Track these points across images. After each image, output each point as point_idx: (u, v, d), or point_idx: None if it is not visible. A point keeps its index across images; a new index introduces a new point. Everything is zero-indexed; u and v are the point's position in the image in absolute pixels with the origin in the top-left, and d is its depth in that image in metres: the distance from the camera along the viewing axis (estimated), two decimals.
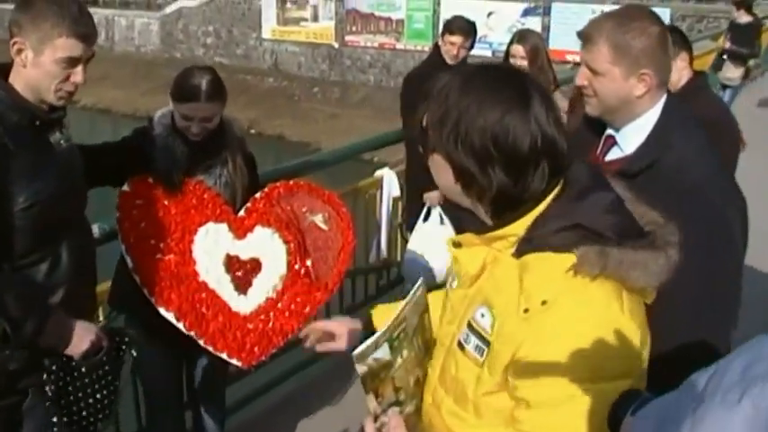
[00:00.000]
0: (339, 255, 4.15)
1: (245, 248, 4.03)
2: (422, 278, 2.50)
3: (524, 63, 6.17)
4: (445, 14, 31.38)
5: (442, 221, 6.50)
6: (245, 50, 41.40)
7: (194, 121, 3.88)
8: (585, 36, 2.98)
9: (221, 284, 3.95)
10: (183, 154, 3.96)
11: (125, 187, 3.89)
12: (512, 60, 6.24)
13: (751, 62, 14.56)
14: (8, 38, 3.07)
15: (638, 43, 2.85)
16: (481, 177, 2.02)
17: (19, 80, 3.12)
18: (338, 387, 6.04)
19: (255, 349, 3.91)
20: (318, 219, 4.19)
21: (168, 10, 45.58)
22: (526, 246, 2.03)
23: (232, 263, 4.00)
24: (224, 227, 4.00)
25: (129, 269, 3.82)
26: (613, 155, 3.06)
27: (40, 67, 3.07)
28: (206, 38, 43.08)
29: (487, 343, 2.09)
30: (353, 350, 2.09)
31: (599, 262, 1.92)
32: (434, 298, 2.52)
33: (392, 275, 7.21)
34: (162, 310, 3.79)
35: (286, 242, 4.07)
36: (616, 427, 1.84)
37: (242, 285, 3.99)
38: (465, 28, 6.41)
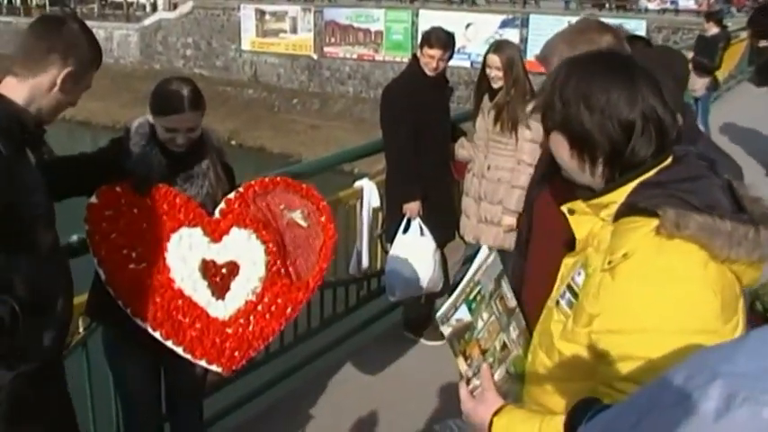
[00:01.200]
0: (320, 251, 4.09)
1: (221, 252, 3.95)
2: (491, 247, 2.64)
3: (500, 73, 6.18)
4: (423, 26, 31.49)
5: (422, 232, 6.50)
6: (225, 62, 41.42)
7: (179, 132, 3.85)
8: (542, 60, 3.06)
9: (197, 291, 3.88)
10: (162, 165, 3.91)
11: (93, 199, 3.80)
12: (488, 71, 6.25)
13: (726, 73, 14.68)
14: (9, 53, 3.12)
15: None
16: (595, 142, 2.21)
17: (25, 95, 3.12)
18: (320, 396, 6.06)
19: (236, 354, 3.85)
20: (297, 215, 4.12)
21: (147, 22, 45.58)
22: (622, 210, 2.21)
23: (208, 267, 3.92)
24: (198, 231, 3.92)
25: (103, 282, 3.78)
26: None
27: (72, 93, 3.21)
28: (185, 49, 43.08)
29: (577, 296, 2.26)
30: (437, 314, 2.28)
31: (677, 222, 2.02)
32: None
33: (373, 286, 7.20)
34: (138, 321, 3.75)
35: (264, 242, 3.99)
36: None
37: (219, 290, 3.91)
38: (443, 40, 6.41)
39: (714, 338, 1.92)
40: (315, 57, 38.51)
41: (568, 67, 2.31)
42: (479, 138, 6.51)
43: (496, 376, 2.41)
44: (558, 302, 2.35)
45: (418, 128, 6.32)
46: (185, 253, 3.88)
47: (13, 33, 51.42)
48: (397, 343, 7.03)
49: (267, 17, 39.99)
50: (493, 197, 6.37)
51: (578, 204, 2.36)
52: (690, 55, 14.31)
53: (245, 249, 3.97)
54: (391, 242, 6.67)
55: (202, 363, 3.84)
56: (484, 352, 2.38)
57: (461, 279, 2.40)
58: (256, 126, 36.19)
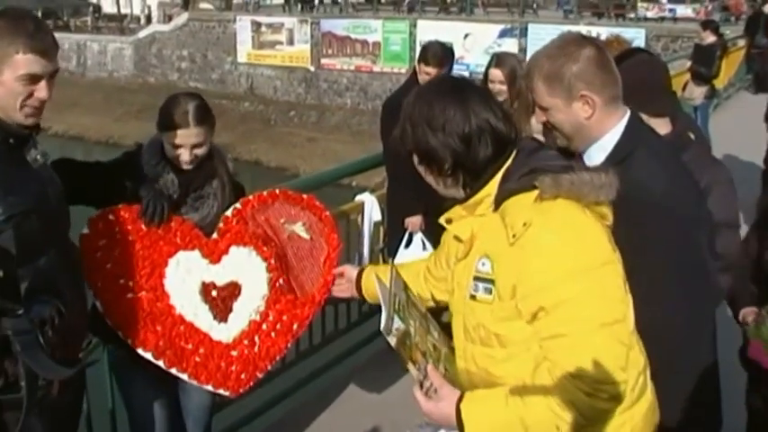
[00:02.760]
0: (325, 263, 3.88)
1: (221, 273, 3.82)
2: (390, 260, 3.00)
3: (503, 87, 6.10)
4: (421, 36, 31.61)
5: (424, 247, 6.41)
6: (221, 75, 41.47)
7: (185, 148, 3.79)
8: (526, 77, 3.17)
9: (199, 315, 3.76)
10: (174, 184, 3.86)
11: (85, 230, 3.69)
12: (490, 85, 6.16)
13: (725, 82, 14.75)
14: None
15: (567, 70, 2.91)
16: (441, 152, 2.62)
17: None
18: (323, 414, 5.98)
19: (242, 376, 3.74)
20: (299, 228, 3.95)
21: (141, 34, 45.64)
22: (500, 197, 2.57)
23: (208, 290, 3.80)
24: (196, 254, 3.80)
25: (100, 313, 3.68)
26: None
27: (2, 86, 3.01)
28: (180, 62, 43.14)
29: (492, 281, 2.54)
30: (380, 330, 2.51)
31: (554, 183, 2.45)
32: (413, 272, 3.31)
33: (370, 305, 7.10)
34: (140, 351, 3.64)
35: (265, 259, 3.82)
36: None
37: (221, 313, 3.79)
38: (440, 56, 6.31)
39: (616, 266, 2.51)
40: (312, 68, 38.56)
41: (414, 96, 2.75)
42: None
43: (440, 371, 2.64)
44: (473, 296, 2.62)
45: None
46: (184, 277, 3.77)
47: None
48: (397, 360, 6.88)
49: (263, 29, 40.05)
50: None
51: (454, 211, 2.74)
52: (687, 64, 14.35)
53: (245, 268, 3.83)
54: (393, 256, 6.58)
55: (209, 387, 3.75)
56: (423, 354, 2.62)
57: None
58: (253, 139, 36.22)
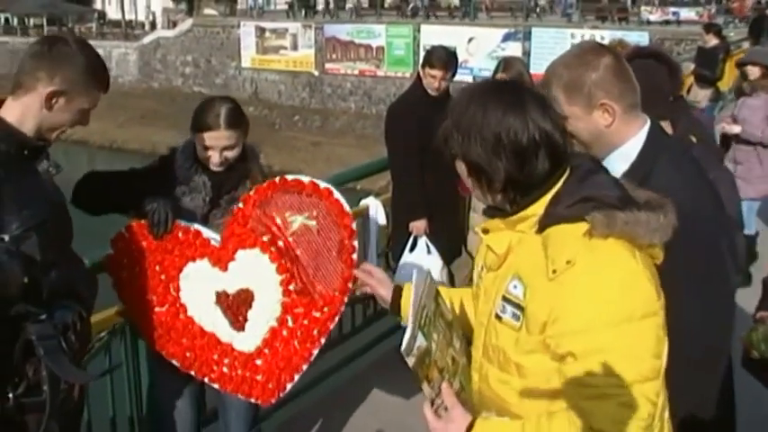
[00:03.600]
0: (341, 254, 3.55)
1: (231, 281, 3.71)
2: (427, 268, 2.75)
3: None
4: (425, 41, 31.63)
5: (428, 251, 6.41)
6: (225, 80, 41.54)
7: (215, 150, 3.82)
8: (543, 84, 3.03)
9: (218, 326, 3.72)
10: (207, 186, 3.89)
11: (110, 250, 3.77)
12: None
13: (730, 84, 14.77)
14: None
15: (587, 78, 2.89)
16: (489, 168, 2.36)
17: (17, 114, 3.12)
18: (328, 418, 5.97)
19: (270, 386, 3.64)
20: (305, 218, 3.65)
21: (146, 40, 45.73)
22: (546, 221, 2.35)
23: (222, 300, 3.72)
24: (205, 263, 3.75)
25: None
26: None
27: (64, 113, 3.15)
28: (184, 67, 43.21)
29: (522, 309, 2.37)
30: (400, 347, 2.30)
31: (607, 222, 2.25)
32: (464, 294, 2.96)
33: (380, 306, 7.07)
34: (174, 363, 3.72)
35: (273, 260, 3.63)
36: None
37: (237, 322, 3.70)
38: (444, 60, 6.33)
39: (658, 319, 2.29)
40: (316, 73, 38.61)
41: (465, 97, 2.46)
42: None
43: (454, 388, 2.50)
44: (498, 317, 2.45)
45: (423, 146, 6.24)
46: (198, 288, 3.74)
47: (9, 54, 51.64)
48: (403, 364, 6.89)
49: (267, 34, 40.12)
50: None
51: (492, 223, 2.51)
52: (691, 67, 14.35)
53: (255, 273, 3.69)
54: (398, 260, 6.58)
55: (240, 396, 3.73)
56: (441, 371, 2.48)
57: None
58: (257, 144, 36.25)
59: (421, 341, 2.37)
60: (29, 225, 2.97)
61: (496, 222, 2.49)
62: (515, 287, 2.40)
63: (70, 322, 2.98)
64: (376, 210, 6.52)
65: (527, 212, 2.39)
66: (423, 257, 6.41)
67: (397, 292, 3.08)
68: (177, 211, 3.76)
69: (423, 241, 6.43)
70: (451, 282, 6.72)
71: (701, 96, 13.86)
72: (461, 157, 2.43)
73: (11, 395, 2.89)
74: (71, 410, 3.36)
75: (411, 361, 2.31)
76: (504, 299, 2.43)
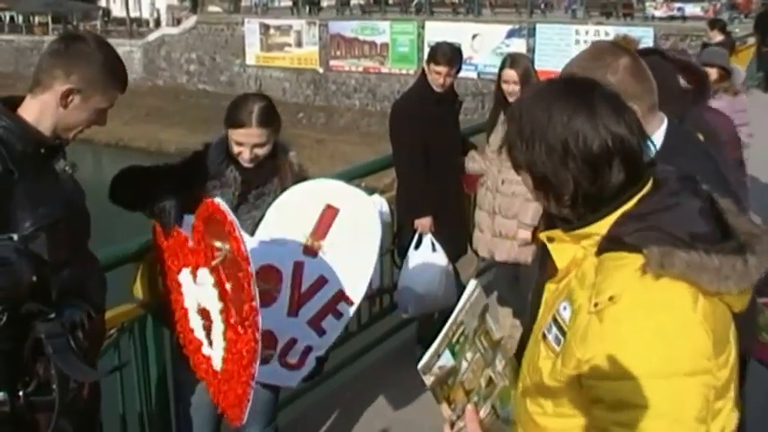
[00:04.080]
0: (244, 283, 3.14)
1: (199, 294, 3.57)
2: (477, 280, 2.47)
3: (517, 87, 6.11)
4: (429, 38, 31.61)
5: (434, 249, 6.43)
6: (229, 77, 41.54)
7: (246, 147, 3.85)
8: None
9: (200, 337, 3.69)
10: (237, 181, 3.94)
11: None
12: (504, 86, 6.19)
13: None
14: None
15: (606, 82, 2.83)
16: (556, 181, 2.11)
17: (35, 112, 3.16)
18: (334, 415, 6.01)
19: (235, 408, 3.43)
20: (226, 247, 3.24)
21: (150, 38, 45.76)
22: (606, 244, 2.11)
23: (200, 311, 3.65)
24: (187, 272, 3.65)
25: None
26: None
27: (81, 111, 3.19)
28: (189, 65, 43.23)
29: (564, 334, 2.16)
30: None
31: (662, 261, 1.96)
32: None
33: (385, 303, 7.12)
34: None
35: (216, 284, 3.38)
36: None
37: (208, 338, 3.60)
38: (449, 56, 6.35)
39: (706, 378, 1.96)
40: (320, 70, 38.62)
41: (528, 100, 2.23)
42: (493, 151, 6.43)
43: (482, 413, 2.30)
44: (544, 336, 2.26)
45: (428, 143, 6.27)
46: (189, 297, 3.71)
47: (15, 52, 51.63)
48: (410, 359, 6.90)
49: (272, 31, 40.13)
50: (507, 211, 6.29)
51: (557, 233, 2.26)
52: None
53: (207, 293, 3.49)
54: (403, 258, 6.60)
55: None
56: (468, 392, 2.28)
57: (441, 326, 2.27)
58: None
59: (446, 360, 2.21)
60: (41, 224, 3.02)
61: (560, 233, 2.25)
62: (565, 309, 2.19)
63: (78, 321, 3.01)
64: (380, 207, 6.54)
65: (590, 230, 2.15)
66: (428, 255, 6.43)
67: None
68: (182, 210, 3.75)
69: (428, 239, 6.44)
70: (457, 280, 6.74)
71: None
72: (526, 167, 2.19)
73: (21, 393, 2.91)
74: (85, 409, 3.39)
75: (429, 380, 2.17)
76: (554, 319, 2.23)
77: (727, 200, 2.20)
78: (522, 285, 6.57)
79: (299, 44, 39.42)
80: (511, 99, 6.17)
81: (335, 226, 3.63)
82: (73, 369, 3.01)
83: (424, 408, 6.02)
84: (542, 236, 2.33)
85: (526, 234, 6.19)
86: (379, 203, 6.46)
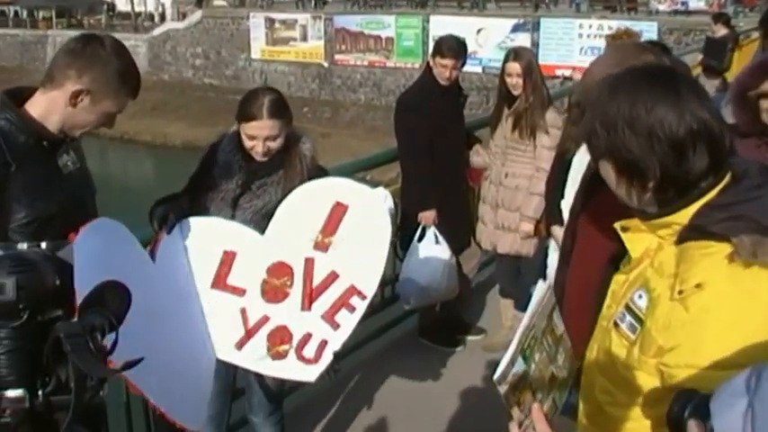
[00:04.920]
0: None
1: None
2: (547, 281, 2.52)
3: (519, 80, 6.16)
4: (434, 32, 31.56)
5: (437, 241, 6.48)
6: (235, 71, 41.52)
7: (259, 140, 3.89)
8: (586, 91, 3.01)
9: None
10: (241, 169, 3.99)
11: None
12: (508, 79, 6.25)
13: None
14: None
15: None
16: (644, 165, 2.10)
17: (42, 107, 3.20)
18: (335, 405, 6.05)
19: None
20: None
21: (156, 32, 45.75)
22: (688, 233, 2.10)
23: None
24: None
25: None
26: None
27: (89, 113, 3.24)
28: (194, 59, 43.21)
29: (641, 322, 2.16)
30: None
31: (753, 250, 1.94)
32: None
33: (387, 294, 7.17)
34: None
35: None
36: (676, 426, 1.75)
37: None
38: (455, 49, 6.40)
39: None
40: (325, 64, 38.60)
41: (609, 89, 2.22)
42: (497, 145, 6.49)
43: (545, 408, 2.27)
44: (616, 324, 2.26)
45: (433, 136, 6.31)
46: None
47: (20, 46, 51.55)
48: (412, 350, 7.01)
49: (277, 25, 40.10)
50: (511, 204, 6.35)
51: (633, 222, 2.26)
52: (699, 57, 14.34)
53: None
54: (406, 250, 6.64)
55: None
56: (534, 392, 2.27)
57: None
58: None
59: (519, 367, 2.21)
60: (35, 216, 3.09)
61: (637, 222, 2.25)
62: (640, 297, 2.19)
63: (98, 324, 3.05)
64: (385, 200, 6.60)
65: (672, 218, 2.14)
66: (431, 247, 6.48)
67: None
68: (179, 213, 3.81)
69: (431, 231, 6.50)
70: (459, 272, 6.79)
71: (708, 86, 13.89)
72: (608, 155, 2.19)
73: (40, 392, 2.97)
74: (94, 406, 3.43)
75: (503, 389, 2.14)
76: (627, 307, 2.23)
77: None
78: (524, 277, 6.63)
79: (305, 38, 39.40)
80: (514, 92, 6.23)
81: (345, 222, 3.68)
82: (89, 366, 3.05)
83: (426, 396, 6.10)
84: (617, 225, 2.32)
85: (528, 227, 6.26)
86: (384, 196, 6.53)
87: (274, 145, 3.93)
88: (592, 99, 2.30)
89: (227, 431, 4.75)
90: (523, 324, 2.28)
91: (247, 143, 3.93)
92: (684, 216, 2.10)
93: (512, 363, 2.16)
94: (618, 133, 2.12)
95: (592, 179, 3.22)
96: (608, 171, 2.22)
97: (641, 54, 3.01)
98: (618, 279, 2.37)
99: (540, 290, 2.42)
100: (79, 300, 2.22)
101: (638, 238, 2.26)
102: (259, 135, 3.88)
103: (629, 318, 2.21)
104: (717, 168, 2.09)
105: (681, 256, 2.09)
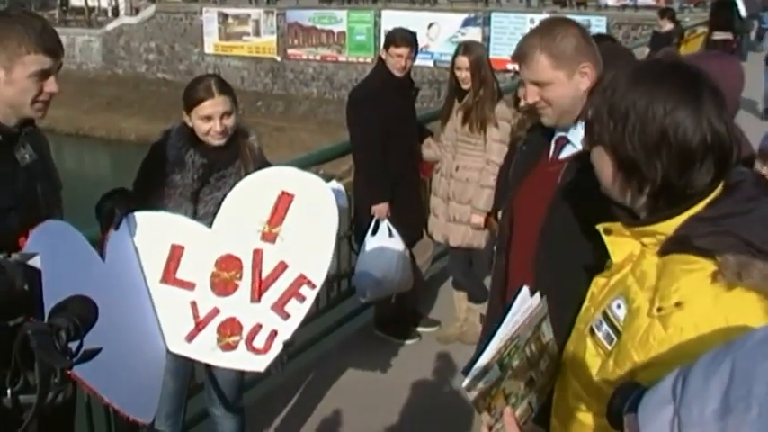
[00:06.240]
0: None
1: None
2: (536, 295, 2.42)
3: (469, 74, 6.23)
4: (386, 26, 31.54)
5: (390, 234, 6.54)
6: (188, 66, 41.16)
7: (215, 119, 3.93)
8: (521, 56, 3.06)
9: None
10: (197, 165, 4.00)
11: None
12: (457, 72, 6.32)
13: None
14: None
15: (568, 44, 2.98)
16: (646, 168, 2.02)
17: None
18: (292, 399, 6.11)
19: None
20: None
21: (109, 27, 45.25)
22: (672, 245, 2.02)
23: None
24: None
25: None
26: (567, 152, 3.11)
27: (14, 85, 3.19)
28: (148, 54, 42.81)
29: (618, 333, 2.09)
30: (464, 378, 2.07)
31: (738, 271, 1.87)
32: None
33: (343, 287, 7.22)
34: None
35: None
36: (616, 419, 1.77)
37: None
38: (408, 39, 6.45)
39: None
40: (278, 59, 38.39)
41: (627, 78, 2.11)
42: (447, 138, 6.55)
43: (518, 412, 2.24)
44: (593, 331, 2.20)
45: (386, 129, 6.36)
46: None
47: None
48: (368, 342, 7.09)
49: (230, 20, 39.83)
50: (462, 197, 6.42)
51: (616, 226, 2.17)
52: (647, 51, 14.52)
53: None
54: (360, 244, 6.69)
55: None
56: (507, 396, 2.21)
57: (487, 343, 2.17)
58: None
59: (494, 374, 2.14)
60: None
61: (620, 227, 2.16)
62: (619, 306, 2.12)
63: (63, 325, 3.06)
64: (337, 193, 6.65)
65: (657, 228, 2.06)
66: (385, 240, 6.52)
67: None
68: (124, 208, 3.72)
69: (384, 224, 6.54)
70: (413, 264, 6.86)
71: None
72: (610, 147, 2.10)
73: (9, 391, 2.99)
74: (61, 406, 3.46)
75: (473, 395, 2.08)
76: (605, 315, 2.16)
77: None
78: (475, 269, 6.72)
79: (257, 33, 39.16)
80: (464, 86, 6.29)
81: (291, 212, 3.68)
82: (54, 359, 3.07)
83: (382, 391, 6.15)
84: (600, 227, 2.23)
85: (479, 219, 6.32)
86: (336, 189, 6.58)
87: (230, 122, 3.98)
88: (605, 83, 2.19)
89: (187, 426, 4.80)
90: (502, 333, 2.20)
91: (203, 127, 3.95)
92: (670, 227, 2.03)
93: (485, 371, 2.09)
94: (627, 127, 2.03)
95: (521, 164, 3.30)
96: (603, 162, 2.15)
97: (570, 23, 3.09)
98: (598, 282, 2.32)
99: (527, 301, 2.35)
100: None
101: (620, 243, 2.18)
102: (215, 113, 3.92)
103: (605, 326, 2.15)
104: (719, 179, 2.02)
105: (663, 269, 2.02)
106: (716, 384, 1.17)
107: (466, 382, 2.06)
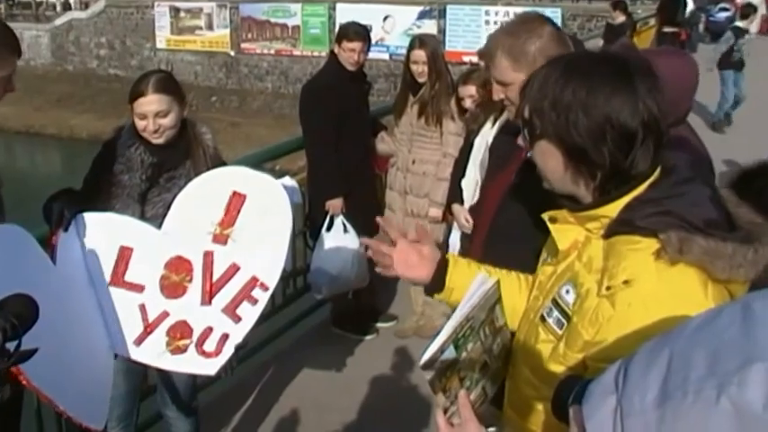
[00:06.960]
0: None
1: None
2: (493, 278, 2.50)
3: (425, 68, 6.22)
4: (341, 19, 31.46)
5: (345, 229, 6.51)
6: (140, 61, 40.91)
7: (149, 118, 3.84)
8: (486, 55, 3.14)
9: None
10: (145, 164, 3.92)
11: None
12: (413, 66, 6.30)
13: None
14: None
15: (531, 45, 2.99)
16: (595, 155, 2.09)
17: None
18: (249, 398, 6.05)
19: None
20: None
21: (58, 22, 44.85)
22: (617, 226, 2.10)
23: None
24: None
25: None
26: None
27: None
28: (99, 50, 42.48)
29: (568, 318, 2.17)
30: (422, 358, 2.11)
31: (680, 247, 1.96)
32: (515, 278, 2.69)
33: (299, 284, 7.19)
34: None
35: None
36: (561, 411, 1.74)
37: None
38: (361, 33, 6.45)
39: None
40: (232, 53, 38.27)
41: (563, 69, 2.17)
42: (402, 132, 6.54)
43: (473, 396, 2.29)
44: (543, 319, 2.28)
45: (339, 124, 6.35)
46: None
47: None
48: (326, 340, 7.06)
49: (182, 14, 39.63)
50: (419, 190, 6.42)
51: (561, 213, 2.26)
52: (600, 43, 14.68)
53: None
54: (315, 240, 6.65)
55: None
56: (462, 379, 2.27)
57: (444, 323, 2.24)
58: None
59: (449, 354, 2.19)
60: None
61: (565, 214, 2.24)
62: (567, 292, 2.20)
63: (0, 326, 3.01)
64: (292, 189, 6.59)
65: (599, 212, 2.14)
66: (340, 236, 6.52)
67: (441, 268, 2.70)
68: (74, 209, 3.62)
69: (339, 220, 6.53)
70: (369, 260, 6.82)
71: None
72: (555, 138, 2.15)
73: None
74: (6, 406, 3.39)
75: (429, 375, 2.13)
76: (554, 301, 2.25)
77: (727, 190, 2.18)
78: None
79: (210, 27, 38.99)
80: (420, 80, 6.29)
81: (244, 212, 3.61)
82: None
83: (340, 388, 6.13)
84: (545, 216, 2.31)
85: (437, 212, 6.32)
86: (290, 186, 6.52)
87: (165, 122, 3.88)
88: (533, 78, 2.24)
89: (140, 429, 4.73)
90: (458, 314, 2.25)
91: (139, 125, 3.88)
92: (613, 209, 2.11)
93: (441, 350, 2.15)
94: (570, 117, 2.09)
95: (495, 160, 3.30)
96: (550, 155, 2.20)
97: (543, 22, 3.10)
98: (545, 270, 2.40)
99: (482, 282, 2.41)
100: None
101: (565, 230, 2.26)
102: (148, 111, 3.84)
103: (556, 313, 2.23)
104: (656, 161, 2.12)
105: (609, 250, 2.11)
106: (655, 373, 1.20)
107: (424, 359, 2.10)
